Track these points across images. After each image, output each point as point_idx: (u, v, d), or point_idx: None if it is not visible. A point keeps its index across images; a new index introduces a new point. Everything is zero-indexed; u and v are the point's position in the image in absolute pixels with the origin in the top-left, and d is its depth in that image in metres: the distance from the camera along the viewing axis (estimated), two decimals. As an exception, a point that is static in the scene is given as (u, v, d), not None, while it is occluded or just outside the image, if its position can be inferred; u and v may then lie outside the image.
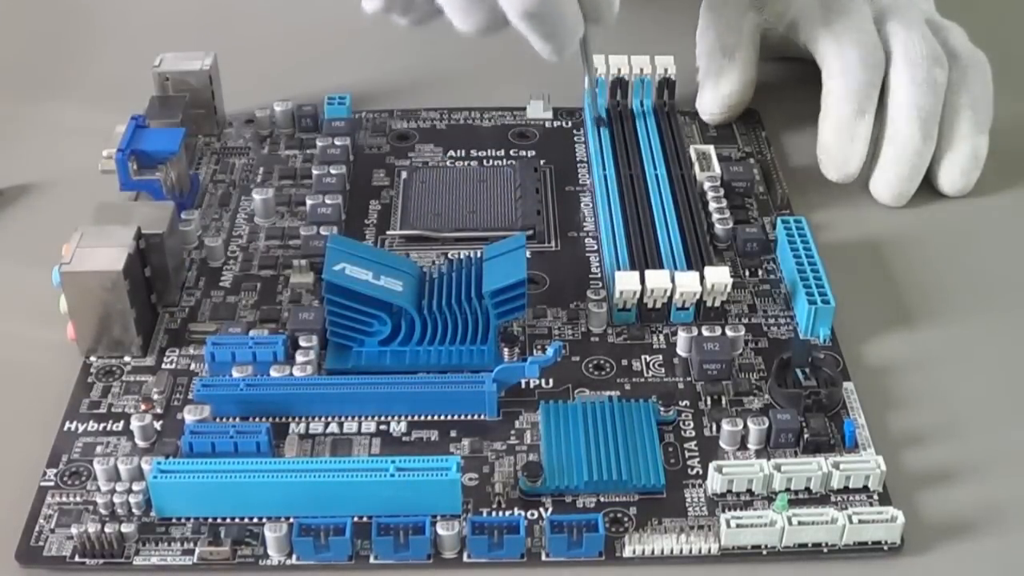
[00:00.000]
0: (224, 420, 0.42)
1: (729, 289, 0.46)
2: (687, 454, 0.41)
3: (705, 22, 0.57)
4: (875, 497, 0.40)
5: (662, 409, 0.42)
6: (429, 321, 0.44)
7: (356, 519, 0.39)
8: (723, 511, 0.39)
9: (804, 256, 0.47)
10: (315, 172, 0.53)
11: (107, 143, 0.51)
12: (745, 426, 0.42)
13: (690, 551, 0.38)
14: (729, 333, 0.45)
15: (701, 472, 0.41)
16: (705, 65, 0.56)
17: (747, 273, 0.49)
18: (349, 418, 0.43)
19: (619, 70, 0.56)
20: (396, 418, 0.43)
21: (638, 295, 0.46)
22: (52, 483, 0.40)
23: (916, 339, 0.47)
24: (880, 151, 0.52)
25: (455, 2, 0.47)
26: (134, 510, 0.39)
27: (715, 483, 0.40)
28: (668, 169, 0.52)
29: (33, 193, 0.54)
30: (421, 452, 0.41)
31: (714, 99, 0.56)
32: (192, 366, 0.45)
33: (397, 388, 0.42)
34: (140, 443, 0.42)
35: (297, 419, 0.43)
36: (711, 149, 0.54)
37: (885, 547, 0.38)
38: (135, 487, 0.40)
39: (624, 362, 0.45)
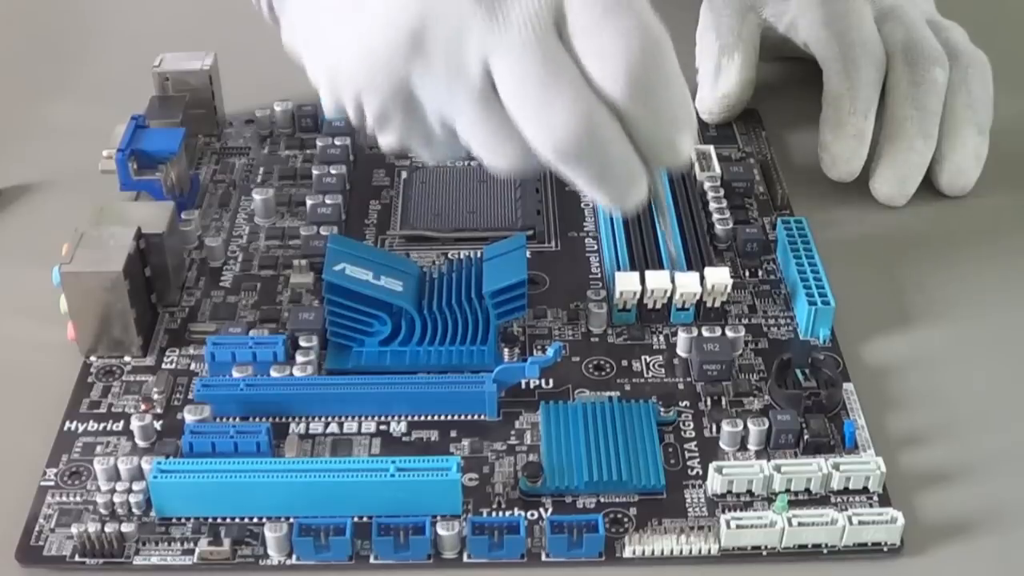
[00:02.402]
0: (224, 420, 0.42)
1: (729, 290, 0.46)
2: (687, 455, 0.41)
3: (705, 22, 0.57)
4: (875, 498, 0.40)
5: (662, 410, 0.42)
6: (429, 321, 0.44)
7: (356, 519, 0.39)
8: (723, 512, 0.39)
9: (804, 257, 0.47)
10: (315, 172, 0.53)
11: (107, 143, 0.51)
12: (745, 427, 0.42)
13: (690, 552, 0.38)
14: (729, 334, 0.45)
15: (701, 473, 0.41)
16: (704, 65, 0.56)
17: (747, 274, 0.49)
18: (349, 418, 0.43)
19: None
20: (396, 418, 0.43)
21: (638, 295, 0.46)
22: (52, 483, 0.40)
23: (916, 340, 0.47)
24: (880, 151, 0.52)
25: (480, 142, 0.39)
26: (134, 510, 0.39)
27: (715, 484, 0.40)
28: (668, 169, 0.52)
29: (33, 193, 0.54)
30: (421, 452, 0.41)
31: (713, 99, 0.56)
32: (192, 366, 0.45)
33: (397, 388, 0.42)
34: (140, 443, 0.42)
35: (297, 419, 0.43)
36: (711, 149, 0.54)
37: (885, 548, 0.38)
38: (135, 487, 0.40)
39: (624, 362, 0.45)
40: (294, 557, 0.38)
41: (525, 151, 0.39)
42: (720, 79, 0.56)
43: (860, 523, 0.38)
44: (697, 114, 0.57)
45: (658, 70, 0.38)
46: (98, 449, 0.42)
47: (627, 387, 0.44)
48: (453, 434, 0.42)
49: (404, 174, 0.54)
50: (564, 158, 0.38)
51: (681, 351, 0.45)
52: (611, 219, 0.49)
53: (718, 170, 0.53)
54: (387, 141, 0.41)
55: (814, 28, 0.55)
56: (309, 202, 0.51)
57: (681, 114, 0.39)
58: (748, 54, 0.56)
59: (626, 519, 0.39)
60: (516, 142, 0.38)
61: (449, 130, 0.40)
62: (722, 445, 0.42)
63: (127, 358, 0.45)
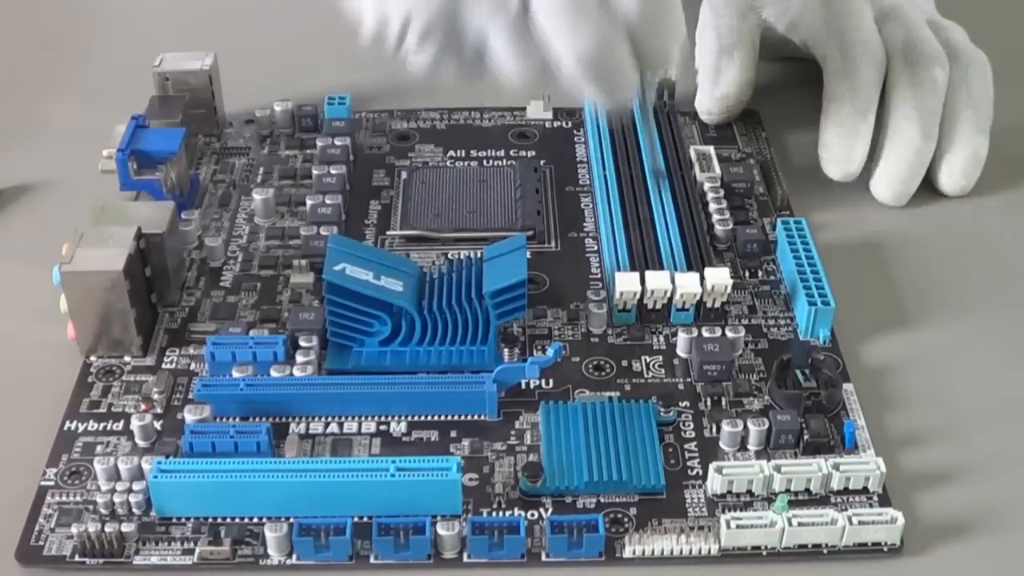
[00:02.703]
0: (224, 420, 0.42)
1: (729, 290, 0.46)
2: (687, 455, 0.42)
3: (705, 22, 0.57)
4: (875, 498, 0.40)
5: (662, 410, 0.42)
6: (429, 321, 0.44)
7: (356, 519, 0.39)
8: (723, 512, 0.39)
9: (804, 257, 0.47)
10: (315, 172, 0.53)
11: (107, 143, 0.51)
12: (745, 427, 0.42)
13: (690, 552, 0.38)
14: (729, 334, 0.45)
15: (701, 473, 0.41)
16: (704, 65, 0.56)
17: (747, 274, 0.49)
18: (349, 418, 0.43)
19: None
20: (396, 418, 0.43)
21: (638, 296, 0.46)
22: (52, 483, 0.40)
23: (916, 340, 0.47)
24: (881, 151, 0.52)
25: (508, 56, 0.45)
26: (134, 510, 0.39)
27: (715, 484, 0.40)
28: (668, 169, 0.52)
29: (33, 193, 0.54)
30: (421, 452, 0.41)
31: (713, 99, 0.56)
32: (192, 366, 0.45)
33: (397, 388, 0.42)
34: (140, 443, 0.42)
35: (297, 419, 0.43)
36: (711, 150, 0.54)
37: (885, 548, 0.38)
38: (135, 487, 0.40)
39: (624, 363, 0.45)
40: (294, 557, 0.38)
41: (542, 68, 0.45)
42: (720, 79, 0.56)
43: (860, 523, 0.38)
44: (696, 114, 0.57)
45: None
46: (98, 449, 0.42)
47: (627, 387, 0.44)
48: (453, 434, 0.42)
49: (404, 174, 0.54)
50: (583, 67, 0.45)
51: (681, 351, 0.45)
52: (611, 219, 0.49)
53: (718, 171, 0.53)
54: (421, 60, 0.46)
55: (814, 28, 0.55)
56: (309, 202, 0.51)
57: (676, 28, 0.47)
58: (748, 54, 0.56)
59: (626, 519, 0.39)
60: (537, 60, 0.45)
61: (479, 50, 0.46)
62: (722, 445, 0.42)
63: (127, 358, 0.45)
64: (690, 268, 0.47)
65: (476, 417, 0.43)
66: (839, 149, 0.52)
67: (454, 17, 0.45)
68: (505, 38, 0.45)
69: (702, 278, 0.46)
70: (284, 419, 0.43)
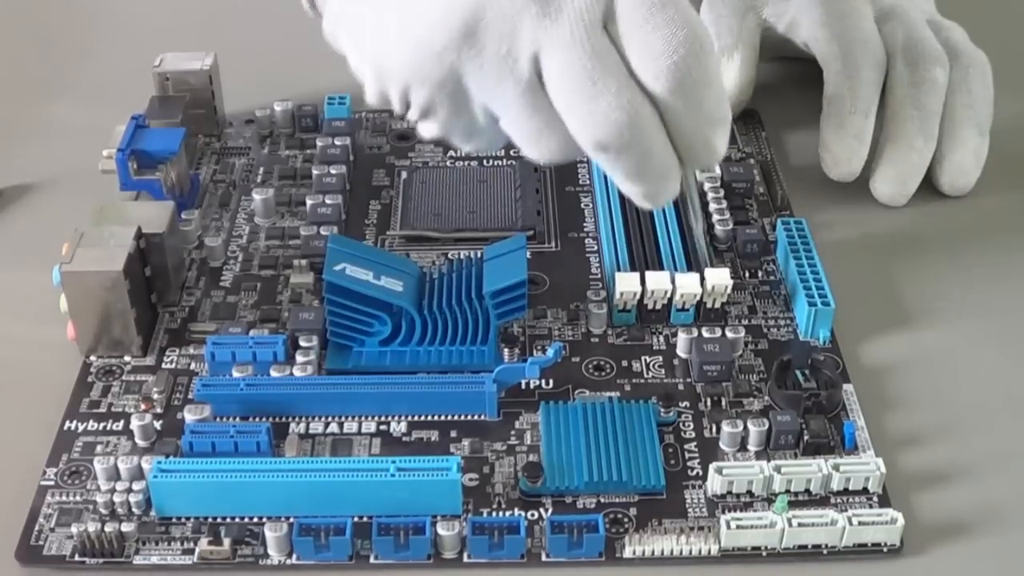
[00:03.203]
0: (224, 420, 0.42)
1: (729, 290, 0.46)
2: (687, 455, 0.41)
3: (704, 22, 0.57)
4: (875, 499, 0.40)
5: (662, 410, 0.42)
6: (429, 321, 0.44)
7: (356, 519, 0.39)
8: (723, 512, 0.39)
9: (804, 257, 0.47)
10: (315, 172, 0.53)
11: (107, 143, 0.51)
12: (745, 427, 0.42)
13: (690, 552, 0.38)
14: (729, 334, 0.45)
15: (701, 473, 0.41)
16: None
17: (747, 274, 0.49)
18: (349, 418, 0.43)
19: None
20: (396, 418, 0.43)
21: (638, 296, 0.46)
22: (52, 482, 0.40)
23: (916, 340, 0.46)
24: (881, 151, 0.52)
25: (523, 133, 0.40)
26: (134, 509, 0.39)
27: (715, 484, 0.40)
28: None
29: (33, 193, 0.54)
30: (421, 452, 0.41)
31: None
32: (192, 366, 0.45)
33: (397, 388, 0.42)
34: (140, 442, 0.42)
35: (297, 419, 0.43)
36: (711, 150, 0.54)
37: (885, 549, 0.38)
38: (135, 486, 0.40)
39: (624, 363, 0.45)
40: (294, 557, 0.38)
41: (565, 143, 0.40)
42: None
43: (860, 524, 0.38)
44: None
45: (701, 68, 0.39)
46: (98, 449, 0.42)
47: (627, 387, 0.44)
48: (453, 434, 0.42)
49: (404, 174, 0.54)
50: (605, 151, 0.39)
51: (681, 352, 0.45)
52: (611, 219, 0.49)
53: (718, 171, 0.53)
54: (429, 131, 0.42)
55: (814, 28, 0.55)
56: (309, 202, 0.51)
57: (720, 113, 0.40)
58: (748, 54, 0.56)
59: (626, 519, 0.39)
60: (558, 134, 0.39)
61: (492, 121, 0.41)
62: (722, 446, 0.42)
63: (127, 358, 0.45)
64: (690, 268, 0.47)
65: (476, 417, 0.43)
66: (839, 149, 0.52)
67: (457, 89, 0.40)
68: (517, 114, 0.40)
69: (702, 278, 0.45)
70: (284, 419, 0.43)
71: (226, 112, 0.58)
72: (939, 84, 0.52)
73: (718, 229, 0.50)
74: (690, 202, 0.47)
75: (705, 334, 0.45)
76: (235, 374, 0.43)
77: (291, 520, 0.38)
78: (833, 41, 0.54)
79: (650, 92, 0.39)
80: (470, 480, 0.40)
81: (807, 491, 0.40)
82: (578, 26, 0.38)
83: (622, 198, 0.50)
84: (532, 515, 0.39)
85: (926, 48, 0.53)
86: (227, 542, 0.38)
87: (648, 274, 0.46)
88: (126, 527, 0.38)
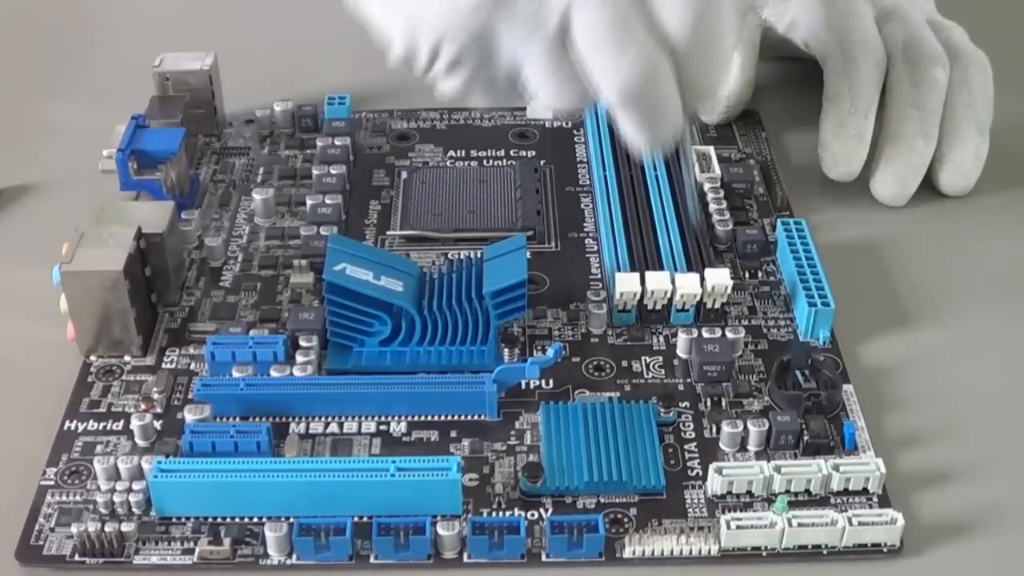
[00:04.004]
0: (224, 420, 0.42)
1: (729, 291, 0.46)
2: (687, 455, 0.42)
3: None
4: (875, 499, 0.40)
5: (662, 410, 0.42)
6: (429, 321, 0.44)
7: (356, 519, 0.39)
8: (723, 512, 0.39)
9: (804, 258, 0.47)
10: (315, 172, 0.53)
11: (107, 143, 0.51)
12: (745, 428, 0.42)
13: (690, 552, 0.38)
14: (729, 335, 0.45)
15: (701, 473, 0.41)
16: None
17: (747, 275, 0.49)
18: (349, 418, 0.43)
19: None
20: (396, 418, 0.43)
21: (638, 296, 0.46)
22: (52, 482, 0.40)
23: (916, 341, 0.47)
24: (881, 151, 0.52)
25: (543, 79, 0.42)
26: (134, 509, 0.39)
27: (715, 484, 0.40)
28: (668, 170, 0.52)
29: (33, 193, 0.54)
30: (421, 452, 0.41)
31: (713, 99, 0.56)
32: (192, 366, 0.45)
33: (397, 388, 0.42)
34: (140, 442, 0.42)
35: (297, 419, 0.43)
36: (711, 150, 0.54)
37: (885, 549, 0.38)
38: (135, 486, 0.40)
39: (624, 363, 0.45)
40: (294, 557, 0.38)
41: (581, 95, 0.42)
42: None
43: (860, 524, 0.38)
44: (696, 114, 0.57)
45: (717, 22, 0.41)
46: (98, 448, 0.42)
47: (627, 388, 0.44)
48: (453, 434, 0.42)
49: (404, 174, 0.54)
50: (625, 99, 0.41)
51: (681, 352, 0.45)
52: (611, 219, 0.49)
53: (718, 171, 0.53)
54: (450, 86, 0.43)
55: (814, 28, 0.55)
56: (309, 202, 0.51)
57: (727, 63, 0.44)
58: (748, 54, 0.56)
59: (626, 519, 0.39)
60: (577, 87, 0.42)
61: (512, 77, 0.43)
62: (722, 446, 0.42)
63: (127, 358, 0.45)
64: (690, 269, 0.47)
65: (476, 417, 0.43)
66: (839, 149, 0.52)
67: (487, 42, 0.42)
68: (541, 66, 0.42)
69: (702, 279, 0.45)
70: (284, 419, 0.43)
71: (226, 112, 0.58)
72: (939, 84, 0.52)
73: (718, 229, 0.50)
74: (684, 154, 0.50)
75: (705, 334, 0.45)
76: (235, 374, 0.43)
77: (291, 520, 0.38)
78: (833, 41, 0.54)
79: (670, 42, 0.41)
80: (470, 480, 0.40)
81: (807, 491, 0.40)
82: None
83: (622, 198, 0.50)
84: (532, 515, 0.39)
85: (926, 48, 0.53)
86: (227, 542, 0.38)
87: (648, 274, 0.46)
88: (126, 527, 0.38)
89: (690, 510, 0.40)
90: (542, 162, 0.55)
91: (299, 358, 0.44)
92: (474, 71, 0.43)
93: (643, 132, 0.43)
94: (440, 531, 0.38)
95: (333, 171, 0.53)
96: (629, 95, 0.41)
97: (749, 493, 0.40)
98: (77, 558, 0.38)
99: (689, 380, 0.44)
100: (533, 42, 0.41)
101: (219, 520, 0.39)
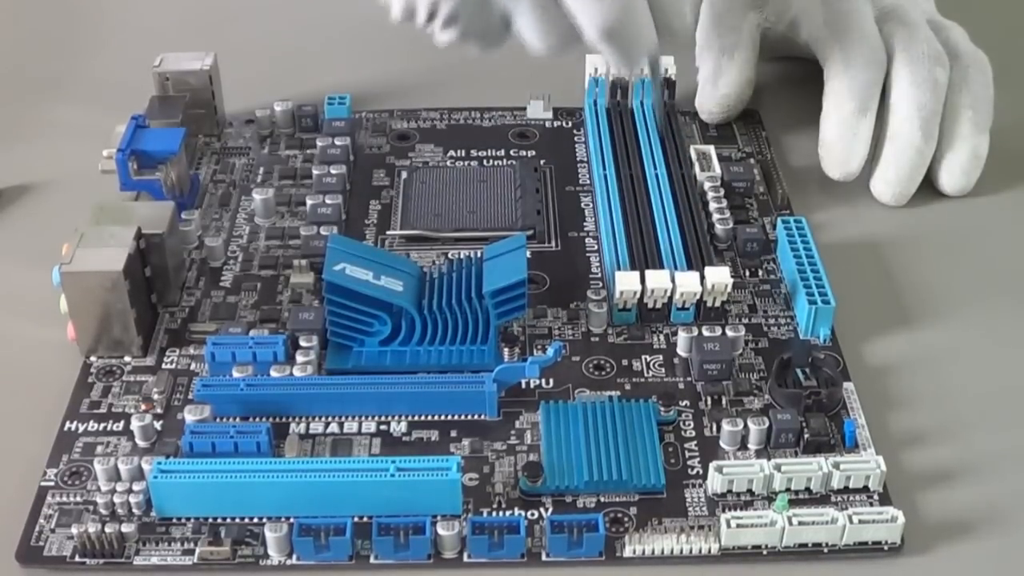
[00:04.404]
0: (224, 420, 0.42)
1: (729, 289, 0.46)
2: (687, 454, 0.41)
3: (705, 21, 0.57)
4: (875, 497, 0.40)
5: (662, 409, 0.42)
6: (429, 321, 0.44)
7: (356, 519, 0.39)
8: (723, 511, 0.39)
9: (804, 256, 0.47)
10: (315, 172, 0.53)
11: (107, 143, 0.51)
12: (745, 426, 0.42)
13: (690, 551, 0.38)
14: (729, 333, 0.45)
15: (701, 472, 0.41)
16: (705, 64, 0.56)
17: (747, 273, 0.49)
18: (349, 418, 0.43)
19: (619, 70, 0.56)
20: (396, 418, 0.43)
21: (638, 295, 0.46)
22: (52, 483, 0.40)
23: (916, 339, 0.47)
24: (881, 150, 0.52)
25: (532, 24, 0.46)
26: (134, 510, 0.39)
27: (715, 483, 0.40)
28: (668, 169, 0.52)
29: (33, 193, 0.54)
30: (421, 452, 0.41)
31: (713, 98, 0.56)
32: (192, 366, 0.45)
33: (397, 388, 0.42)
34: (140, 443, 0.42)
35: (297, 419, 0.43)
36: (711, 149, 0.54)
37: (885, 547, 0.38)
38: (135, 487, 0.40)
39: (624, 362, 0.45)
40: (294, 557, 0.38)
41: (567, 37, 0.46)
42: (720, 79, 0.56)
43: (860, 522, 0.38)
44: (696, 114, 0.57)
45: None
46: (98, 449, 0.42)
47: (627, 387, 0.44)
48: (453, 434, 0.42)
49: (404, 174, 0.54)
50: (606, 35, 0.45)
51: (681, 351, 0.45)
52: (611, 219, 0.49)
53: (718, 170, 0.53)
54: (447, 37, 0.47)
55: (815, 27, 0.55)
56: (309, 202, 0.51)
57: None
58: (748, 54, 0.56)
59: (626, 519, 0.39)
60: (562, 30, 0.46)
61: (504, 23, 0.47)
62: (722, 444, 0.42)
63: (127, 358, 0.45)
64: (690, 267, 0.47)
65: (476, 417, 0.43)
66: (839, 148, 0.52)
67: None
68: (530, 12, 0.46)
69: (702, 277, 0.45)
70: (284, 419, 0.43)
71: (226, 112, 0.58)
72: (939, 84, 0.52)
73: (718, 228, 0.50)
74: (655, 73, 0.54)
75: (705, 333, 0.45)
76: (235, 374, 0.43)
77: (291, 520, 0.38)
78: (834, 40, 0.54)
79: None
80: (470, 480, 0.40)
81: (807, 490, 0.40)
82: None
83: (622, 197, 0.50)
84: (532, 515, 0.39)
85: (927, 48, 0.53)
86: (227, 542, 0.38)
87: (648, 273, 0.46)
88: (126, 528, 0.38)
89: (690, 509, 0.40)
90: (542, 162, 0.55)
91: (299, 358, 0.44)
92: (469, 22, 0.47)
93: (623, 61, 0.47)
94: (440, 531, 0.38)
95: (333, 171, 0.53)
96: (609, 31, 0.45)
97: (749, 491, 0.40)
98: (77, 559, 0.38)
99: (689, 379, 0.44)
100: None
101: (219, 520, 0.39)
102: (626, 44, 0.46)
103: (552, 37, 0.46)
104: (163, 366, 0.45)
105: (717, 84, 0.56)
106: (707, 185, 0.52)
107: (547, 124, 0.58)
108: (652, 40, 0.47)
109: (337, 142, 0.54)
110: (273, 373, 0.43)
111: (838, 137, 0.52)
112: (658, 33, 0.47)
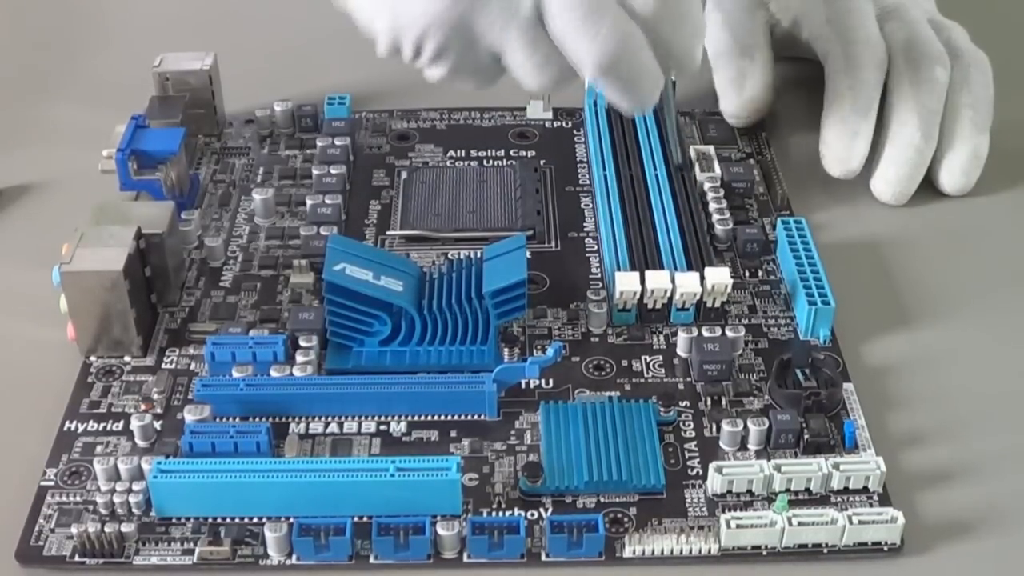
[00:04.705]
0: (224, 420, 0.42)
1: (729, 290, 0.46)
2: (687, 454, 0.41)
3: (715, 23, 0.57)
4: (875, 498, 0.40)
5: (662, 409, 0.42)
6: (429, 321, 0.44)
7: (356, 519, 0.39)
8: (723, 511, 0.39)
9: (804, 257, 0.47)
10: (315, 172, 0.53)
11: (107, 143, 0.51)
12: (745, 427, 0.42)
13: (690, 551, 0.38)
14: (729, 334, 0.45)
15: (701, 472, 0.41)
16: (725, 68, 0.56)
17: (747, 274, 0.49)
18: (349, 418, 0.43)
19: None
20: (396, 418, 0.43)
21: (638, 296, 0.46)
22: (52, 483, 0.40)
23: (916, 339, 0.47)
24: (882, 149, 0.52)
25: (526, 66, 0.45)
26: (134, 510, 0.39)
27: (715, 484, 0.40)
28: (668, 169, 0.52)
29: (33, 193, 0.54)
30: (421, 452, 0.41)
31: (740, 103, 0.56)
32: (192, 366, 0.45)
33: (397, 388, 0.42)
34: (140, 443, 0.42)
35: (297, 419, 0.43)
36: (711, 149, 0.54)
37: (885, 548, 0.38)
38: (135, 487, 0.40)
39: (624, 362, 0.45)
40: (294, 557, 0.38)
41: (561, 72, 0.45)
42: (745, 82, 0.56)
43: (860, 523, 0.38)
44: (695, 114, 0.57)
45: None
46: (98, 449, 0.42)
47: (627, 387, 0.44)
48: (453, 434, 0.42)
49: (404, 174, 0.54)
50: (604, 71, 0.44)
51: (681, 351, 0.45)
52: (611, 219, 0.49)
53: (718, 170, 0.53)
54: (438, 74, 0.46)
55: (817, 25, 0.55)
56: (309, 202, 0.51)
57: (699, 25, 0.46)
58: (767, 53, 0.56)
59: (626, 519, 0.39)
60: (557, 66, 0.45)
61: (496, 60, 0.45)
62: (722, 445, 0.42)
63: (127, 358, 0.45)
64: (690, 268, 0.47)
65: (476, 417, 0.43)
66: (840, 146, 0.52)
67: (467, 32, 0.44)
68: (521, 50, 0.44)
69: (702, 278, 0.45)
70: (284, 419, 0.43)
71: (226, 112, 0.58)
72: (940, 84, 0.52)
73: (718, 229, 0.50)
74: (668, 106, 0.52)
75: (705, 333, 0.45)
76: (235, 374, 0.43)
77: (291, 520, 0.38)
78: (835, 39, 0.54)
79: (639, 15, 0.44)
80: (470, 480, 0.40)
81: (807, 490, 0.40)
82: None
83: (622, 198, 0.50)
84: (532, 515, 0.39)
85: (928, 48, 0.53)
86: (227, 542, 0.38)
87: (648, 273, 0.46)
88: (126, 527, 0.38)
89: (690, 509, 0.40)
90: (542, 162, 0.55)
91: (299, 358, 0.44)
92: (458, 59, 0.45)
93: (625, 98, 0.45)
94: (440, 531, 0.38)
95: (333, 171, 0.53)
96: (606, 66, 0.43)
97: (749, 492, 0.40)
98: (77, 559, 0.38)
99: (689, 379, 0.44)
100: (510, 28, 0.44)
101: (219, 520, 0.39)
102: (626, 79, 0.44)
103: (546, 74, 0.45)
104: (163, 366, 0.45)
105: (743, 88, 0.56)
106: (707, 186, 0.52)
107: (547, 124, 0.58)
108: (656, 78, 0.45)
109: (337, 142, 0.54)
110: (273, 373, 0.43)
111: (839, 135, 0.52)
112: (665, 72, 0.46)
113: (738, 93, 0.56)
